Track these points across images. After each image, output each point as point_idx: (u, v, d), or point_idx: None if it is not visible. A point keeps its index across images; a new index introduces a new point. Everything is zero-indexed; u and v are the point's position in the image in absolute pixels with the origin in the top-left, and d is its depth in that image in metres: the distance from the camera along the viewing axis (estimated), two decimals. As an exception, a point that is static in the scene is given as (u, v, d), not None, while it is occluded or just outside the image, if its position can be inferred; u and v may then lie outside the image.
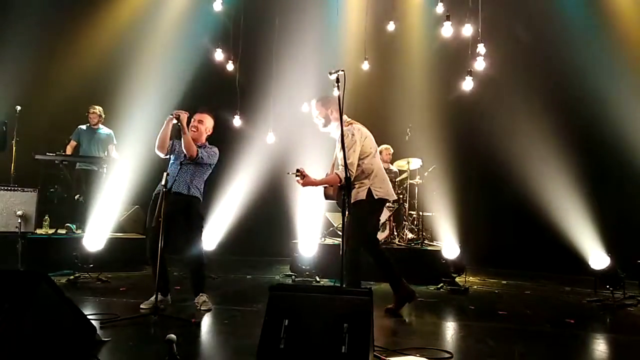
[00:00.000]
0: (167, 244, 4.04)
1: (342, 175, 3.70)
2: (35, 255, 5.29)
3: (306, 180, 3.95)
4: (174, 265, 4.23)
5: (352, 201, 3.95)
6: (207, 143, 4.33)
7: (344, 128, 3.93)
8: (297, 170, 3.97)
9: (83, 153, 6.54)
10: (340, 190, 4.02)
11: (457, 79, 6.79)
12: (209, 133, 4.35)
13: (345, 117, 4.07)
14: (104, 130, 6.71)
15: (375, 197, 3.98)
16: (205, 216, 4.52)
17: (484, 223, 7.44)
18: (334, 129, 4.08)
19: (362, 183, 3.99)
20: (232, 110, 7.61)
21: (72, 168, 6.44)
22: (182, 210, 4.06)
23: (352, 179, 3.91)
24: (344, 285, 3.23)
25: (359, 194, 3.98)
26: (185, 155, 4.05)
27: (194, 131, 4.18)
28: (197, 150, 4.08)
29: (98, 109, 6.63)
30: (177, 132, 4.04)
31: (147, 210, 4.20)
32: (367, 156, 4.00)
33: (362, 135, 4.01)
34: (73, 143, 6.59)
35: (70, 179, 6.35)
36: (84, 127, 6.65)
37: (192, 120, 4.22)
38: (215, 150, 4.29)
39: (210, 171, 4.31)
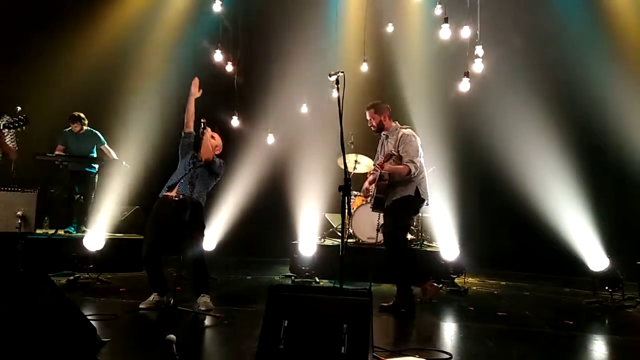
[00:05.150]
0: (163, 248, 4.07)
1: (413, 169, 4.07)
2: (35, 256, 5.27)
3: (386, 165, 4.20)
4: (174, 266, 4.22)
5: (398, 197, 4.18)
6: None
7: (404, 131, 4.30)
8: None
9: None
10: (389, 187, 4.21)
11: (457, 81, 6.81)
12: (218, 152, 4.38)
13: (397, 123, 4.43)
14: (89, 131, 6.36)
15: (421, 196, 4.22)
16: (206, 222, 4.52)
17: (483, 224, 7.45)
18: (391, 131, 4.36)
19: (411, 181, 4.18)
20: (230, 111, 7.62)
21: (65, 168, 6.17)
22: (185, 214, 3.98)
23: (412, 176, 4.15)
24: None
25: (407, 190, 4.18)
26: (198, 159, 4.08)
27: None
28: (214, 155, 4.17)
29: (78, 117, 6.21)
30: (197, 140, 4.19)
31: (148, 211, 4.22)
32: (420, 157, 4.28)
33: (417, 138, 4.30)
34: (60, 147, 6.28)
35: (67, 180, 6.26)
36: (68, 129, 6.33)
37: (207, 131, 4.24)
38: (222, 162, 4.36)
39: (215, 183, 4.37)
